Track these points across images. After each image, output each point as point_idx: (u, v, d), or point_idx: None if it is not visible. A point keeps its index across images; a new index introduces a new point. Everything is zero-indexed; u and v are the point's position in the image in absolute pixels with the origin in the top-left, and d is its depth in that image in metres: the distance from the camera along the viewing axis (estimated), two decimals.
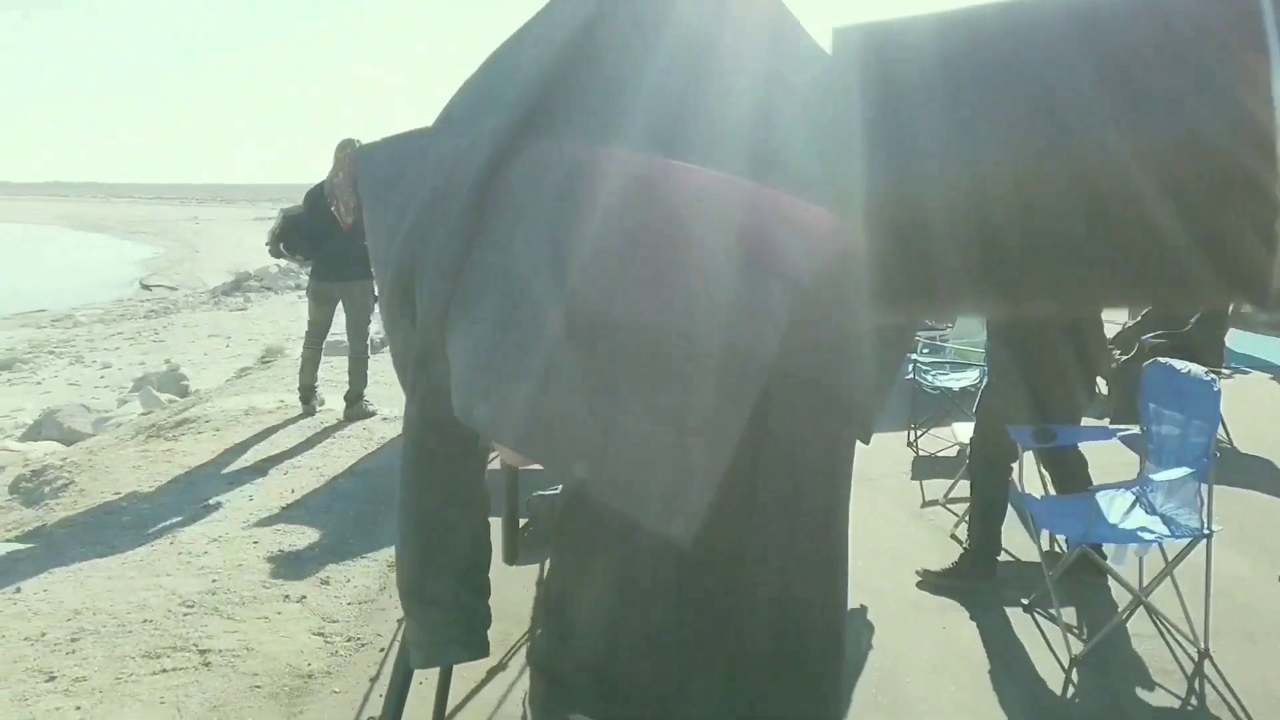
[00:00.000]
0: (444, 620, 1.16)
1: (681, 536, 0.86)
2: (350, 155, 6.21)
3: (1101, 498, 3.54)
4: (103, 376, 14.10)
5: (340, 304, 6.31)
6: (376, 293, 5.94)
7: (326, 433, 5.92)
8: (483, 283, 0.92)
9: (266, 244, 6.46)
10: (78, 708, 2.91)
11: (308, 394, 6.35)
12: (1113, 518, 3.42)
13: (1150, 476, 3.40)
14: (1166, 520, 3.34)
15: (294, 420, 6.14)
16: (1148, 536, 3.29)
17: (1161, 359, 3.59)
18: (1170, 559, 3.28)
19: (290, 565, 4.03)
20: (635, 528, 0.89)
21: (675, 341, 0.85)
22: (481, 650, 1.20)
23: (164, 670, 3.14)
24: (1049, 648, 3.32)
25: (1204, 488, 3.20)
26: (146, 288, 26.17)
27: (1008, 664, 3.26)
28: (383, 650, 3.39)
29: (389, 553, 4.22)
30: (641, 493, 0.86)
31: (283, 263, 28.75)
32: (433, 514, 1.11)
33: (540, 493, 4.55)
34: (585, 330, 0.85)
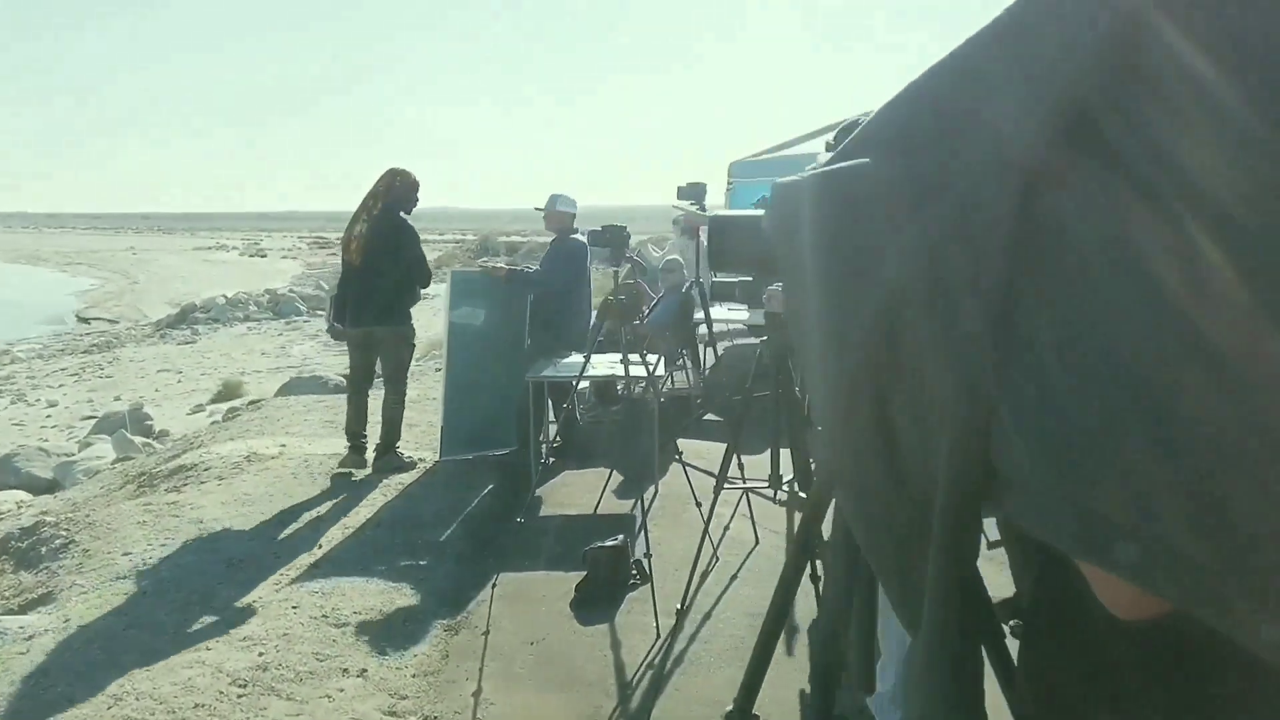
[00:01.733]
0: None
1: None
2: (406, 182, 5.74)
3: None
4: (49, 416, 13.34)
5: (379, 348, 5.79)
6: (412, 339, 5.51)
7: (338, 479, 5.53)
8: (1061, 349, 0.69)
9: None
10: None
11: (352, 439, 5.78)
12: None
13: None
14: None
15: (302, 466, 5.73)
16: None
17: None
18: None
19: (339, 633, 3.67)
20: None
21: None
22: None
23: None
24: None
25: None
26: (84, 320, 25.16)
27: None
28: None
29: (443, 616, 3.90)
30: None
31: (230, 293, 27.79)
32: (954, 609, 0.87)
33: (599, 543, 4.29)
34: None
